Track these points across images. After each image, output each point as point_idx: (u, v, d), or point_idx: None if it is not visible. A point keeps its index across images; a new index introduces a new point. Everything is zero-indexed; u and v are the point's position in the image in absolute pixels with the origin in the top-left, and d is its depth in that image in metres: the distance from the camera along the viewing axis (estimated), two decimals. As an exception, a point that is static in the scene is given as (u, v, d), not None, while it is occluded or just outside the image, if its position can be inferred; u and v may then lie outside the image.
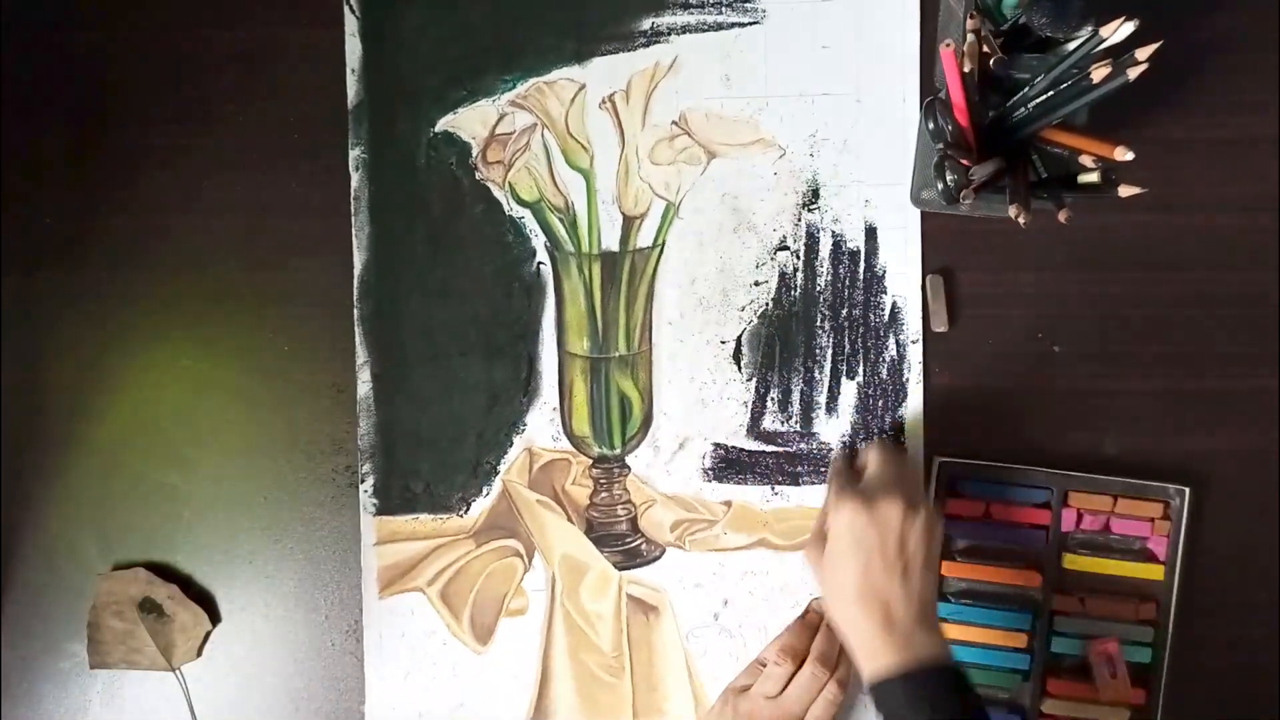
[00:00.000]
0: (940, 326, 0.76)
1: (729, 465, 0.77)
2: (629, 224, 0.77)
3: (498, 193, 0.77)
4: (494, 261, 0.77)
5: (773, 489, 0.77)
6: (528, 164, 0.77)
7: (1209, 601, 0.74)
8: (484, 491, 0.78)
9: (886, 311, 0.76)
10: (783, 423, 0.77)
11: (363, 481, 0.77)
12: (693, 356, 0.77)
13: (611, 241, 0.77)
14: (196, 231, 0.78)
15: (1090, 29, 0.61)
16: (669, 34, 0.77)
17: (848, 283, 0.76)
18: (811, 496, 0.76)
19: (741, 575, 0.77)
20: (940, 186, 0.64)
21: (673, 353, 0.77)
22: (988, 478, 0.75)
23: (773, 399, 0.77)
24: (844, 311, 0.76)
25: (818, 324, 0.77)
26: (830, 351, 0.77)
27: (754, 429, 0.77)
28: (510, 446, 0.77)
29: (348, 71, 0.77)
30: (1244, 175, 0.75)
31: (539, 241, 0.77)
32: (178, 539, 0.78)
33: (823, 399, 0.77)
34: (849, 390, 0.76)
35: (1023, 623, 0.74)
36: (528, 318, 0.77)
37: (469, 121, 0.77)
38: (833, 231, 0.76)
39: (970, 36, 0.62)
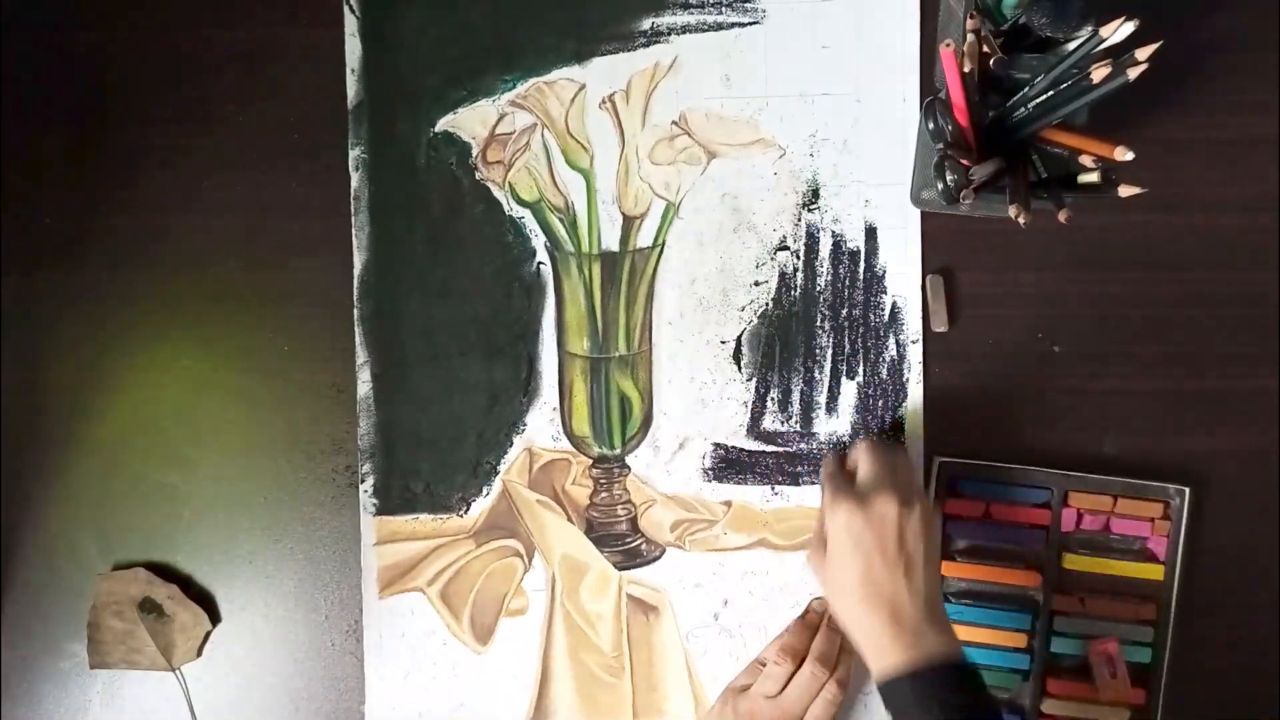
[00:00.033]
0: (940, 326, 0.76)
1: (729, 465, 0.77)
2: (629, 224, 0.77)
3: (498, 193, 0.77)
4: (494, 261, 0.77)
5: (773, 489, 0.77)
6: (528, 164, 0.77)
7: (1209, 601, 0.75)
8: (484, 491, 0.78)
9: (886, 311, 0.76)
10: (783, 423, 0.77)
11: (363, 481, 0.77)
12: (693, 356, 0.77)
13: (611, 241, 0.77)
14: (196, 231, 0.78)
15: (1090, 29, 0.61)
16: (669, 34, 0.77)
17: (848, 283, 0.76)
18: (811, 496, 0.76)
19: (741, 575, 0.77)
20: (940, 186, 0.64)
21: (673, 353, 0.77)
22: (988, 478, 0.75)
23: (773, 399, 0.77)
24: (844, 311, 0.76)
25: (818, 324, 0.77)
26: (830, 351, 0.77)
27: (754, 429, 0.77)
28: (510, 446, 0.77)
29: (348, 71, 0.77)
30: (1244, 175, 0.75)
31: (539, 241, 0.77)
32: (178, 539, 0.78)
33: (823, 399, 0.77)
34: (849, 390, 0.76)
35: (1023, 623, 0.74)
36: (528, 318, 0.77)
37: (469, 121, 0.77)
38: (833, 231, 0.76)
39: (970, 36, 0.62)
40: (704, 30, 0.76)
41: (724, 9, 0.76)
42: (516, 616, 0.77)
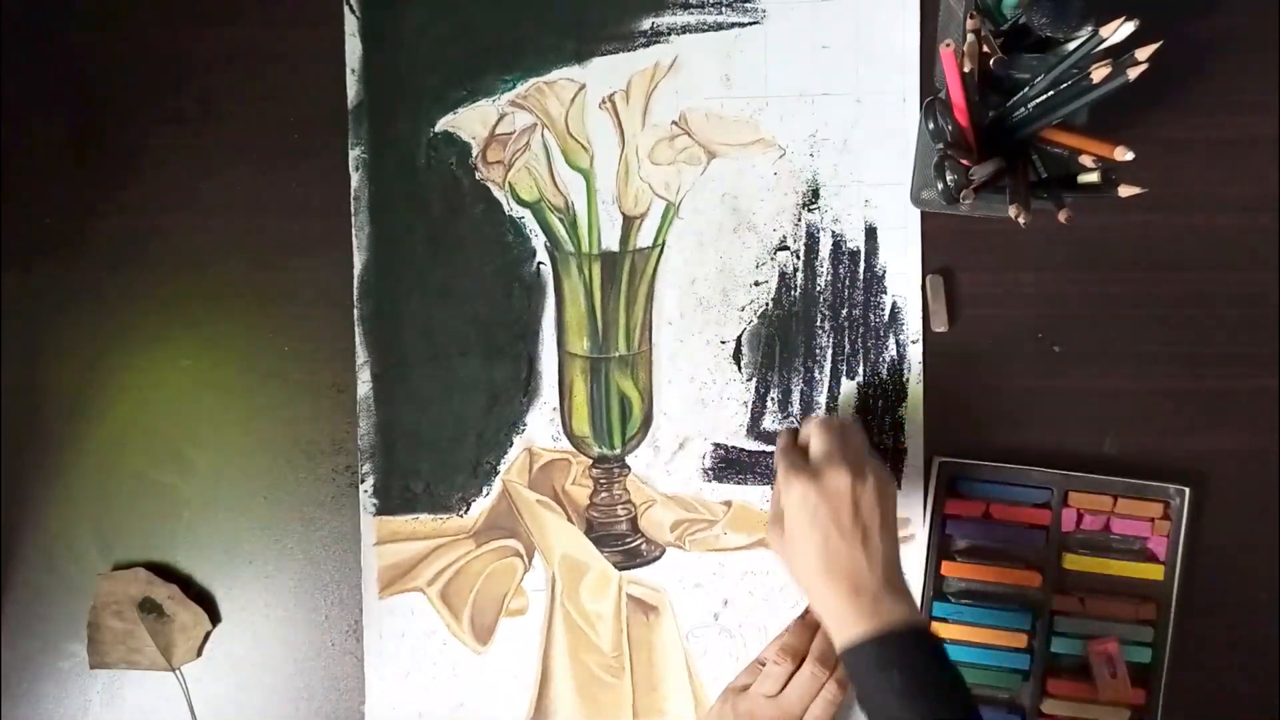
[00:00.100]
0: (940, 326, 0.76)
1: (729, 465, 0.77)
2: (629, 224, 0.77)
3: (498, 193, 0.77)
4: (494, 261, 0.77)
5: (773, 489, 0.76)
6: (528, 164, 0.77)
7: (1209, 601, 0.74)
8: (484, 491, 0.78)
9: (886, 311, 0.76)
10: (783, 423, 0.77)
11: (363, 481, 0.77)
12: (693, 356, 0.77)
13: (611, 241, 0.77)
14: (196, 231, 0.78)
15: (1090, 29, 0.61)
16: (669, 34, 0.77)
17: (848, 283, 0.76)
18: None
19: (741, 575, 0.77)
20: (940, 186, 0.64)
21: (673, 353, 0.77)
22: (988, 478, 0.75)
23: (773, 399, 0.77)
24: (844, 311, 0.76)
25: (818, 324, 0.77)
26: (830, 351, 0.77)
27: (754, 429, 0.77)
28: (510, 446, 0.77)
29: (348, 71, 0.77)
30: (1244, 175, 0.75)
31: (539, 241, 0.77)
32: (178, 539, 0.78)
33: (823, 399, 0.77)
34: (849, 390, 0.76)
35: (1023, 623, 0.74)
36: (528, 318, 0.77)
37: (469, 121, 0.77)
38: (833, 231, 0.76)
39: (970, 36, 0.62)
40: (704, 30, 0.76)
41: (724, 9, 0.76)
42: (516, 616, 0.77)
